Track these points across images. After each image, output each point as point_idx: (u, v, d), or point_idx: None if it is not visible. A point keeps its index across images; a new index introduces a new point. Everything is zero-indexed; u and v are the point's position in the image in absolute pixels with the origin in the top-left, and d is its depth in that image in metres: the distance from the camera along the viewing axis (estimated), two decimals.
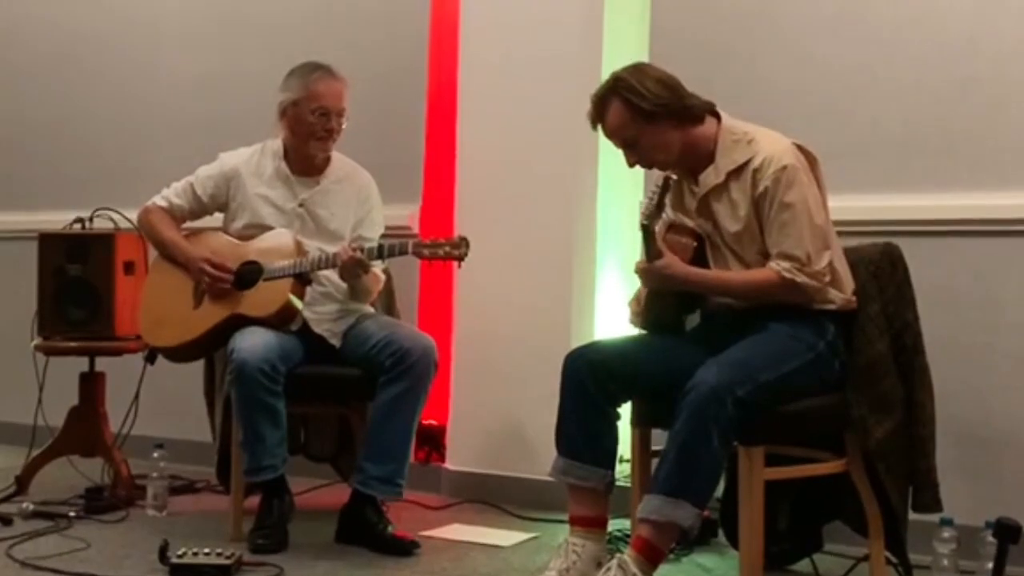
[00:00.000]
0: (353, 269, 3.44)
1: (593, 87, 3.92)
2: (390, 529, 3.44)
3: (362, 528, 3.44)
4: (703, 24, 3.85)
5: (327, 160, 3.70)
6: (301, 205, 3.65)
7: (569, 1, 4.10)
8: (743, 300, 2.95)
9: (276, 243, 3.56)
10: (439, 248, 3.33)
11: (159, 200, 3.71)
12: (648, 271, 2.93)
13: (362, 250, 3.41)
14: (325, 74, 3.60)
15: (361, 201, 3.72)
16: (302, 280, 3.49)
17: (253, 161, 3.69)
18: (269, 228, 3.60)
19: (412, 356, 3.44)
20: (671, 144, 2.94)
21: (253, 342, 3.36)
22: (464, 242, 3.32)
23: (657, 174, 3.11)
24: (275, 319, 3.46)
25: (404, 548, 3.39)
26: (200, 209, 3.73)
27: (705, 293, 3.01)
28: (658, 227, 2.94)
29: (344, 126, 3.62)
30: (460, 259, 3.33)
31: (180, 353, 3.64)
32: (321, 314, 3.59)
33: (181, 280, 3.59)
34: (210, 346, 3.60)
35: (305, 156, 3.65)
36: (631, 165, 3.03)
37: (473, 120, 4.26)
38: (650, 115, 2.89)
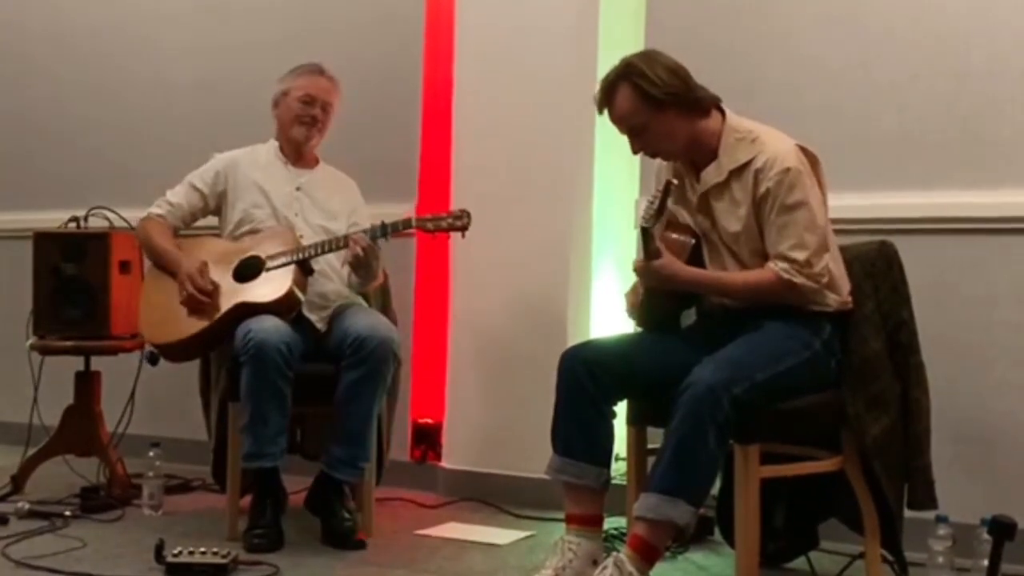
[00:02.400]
0: (366, 259, 3.49)
1: (588, 85, 3.92)
2: (347, 522, 3.46)
3: (322, 508, 3.50)
4: (698, 22, 3.85)
5: (316, 159, 3.83)
6: (298, 189, 3.73)
7: (564, 4, 4.10)
8: (740, 300, 2.96)
9: (275, 237, 3.59)
10: (441, 221, 3.44)
11: (155, 209, 3.75)
12: (646, 269, 2.93)
13: (366, 231, 3.49)
14: (315, 70, 3.77)
15: (351, 196, 3.84)
16: (304, 269, 3.52)
17: (249, 154, 3.81)
18: (273, 202, 3.67)
19: (369, 345, 3.44)
20: (677, 134, 2.93)
21: (269, 325, 3.39)
22: (465, 214, 3.41)
23: (659, 164, 3.11)
24: (279, 305, 3.47)
25: (348, 542, 3.41)
26: (201, 205, 3.76)
27: (702, 293, 3.01)
28: (657, 226, 2.93)
29: (330, 121, 3.75)
30: (463, 229, 3.43)
31: (184, 349, 3.61)
32: (314, 296, 3.61)
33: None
34: (215, 340, 3.58)
35: (293, 143, 3.76)
36: (635, 152, 3.02)
37: (469, 119, 4.25)
38: (659, 103, 2.89)
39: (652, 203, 2.85)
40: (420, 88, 4.44)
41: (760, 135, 2.93)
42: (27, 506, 3.71)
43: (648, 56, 2.96)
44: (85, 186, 4.84)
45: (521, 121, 4.13)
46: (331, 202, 3.75)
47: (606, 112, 2.98)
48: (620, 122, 2.97)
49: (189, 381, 3.90)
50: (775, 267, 2.86)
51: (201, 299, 3.53)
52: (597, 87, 2.98)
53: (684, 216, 3.04)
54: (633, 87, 2.90)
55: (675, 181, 2.91)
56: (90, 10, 5.24)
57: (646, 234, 2.87)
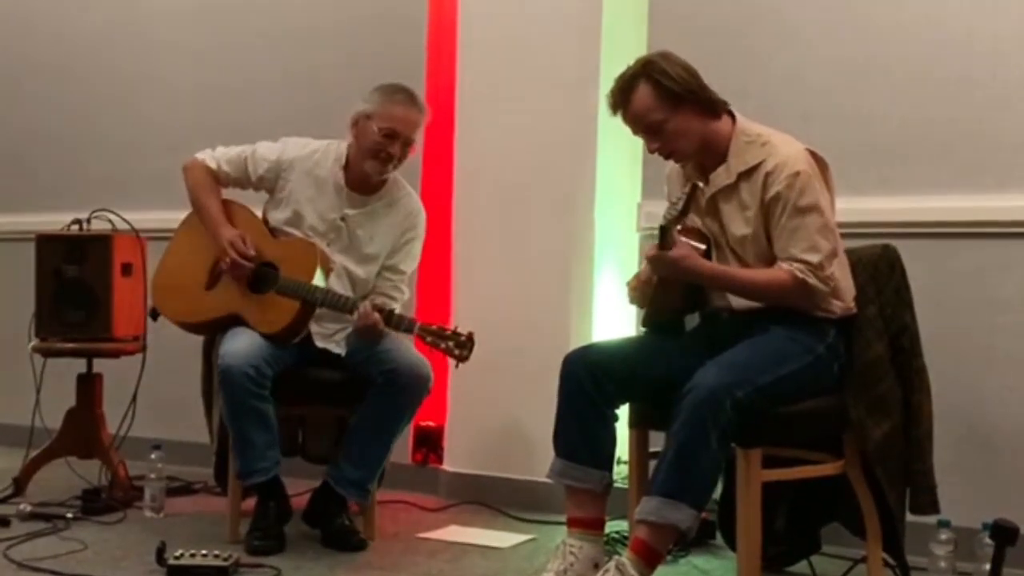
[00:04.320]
0: (370, 332, 3.43)
1: (591, 91, 3.96)
2: (348, 526, 3.48)
3: (322, 518, 3.50)
4: (701, 25, 3.85)
5: (383, 181, 3.62)
6: (343, 219, 3.59)
7: (567, 5, 4.11)
8: (751, 298, 2.93)
9: (301, 254, 3.51)
10: (441, 340, 3.36)
11: (209, 160, 3.63)
12: (660, 258, 2.90)
13: (381, 311, 3.41)
14: (407, 99, 3.52)
15: (405, 229, 3.66)
16: (310, 307, 3.47)
17: (313, 159, 3.62)
18: (307, 228, 3.57)
19: (402, 381, 3.43)
20: (693, 133, 2.92)
21: (238, 346, 3.35)
22: (470, 343, 3.34)
23: (668, 171, 3.11)
24: (273, 338, 3.44)
25: (349, 544, 3.43)
26: (245, 183, 3.67)
27: (713, 287, 2.99)
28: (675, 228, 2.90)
29: (408, 156, 3.55)
30: (459, 360, 3.35)
31: (180, 325, 3.66)
32: (327, 328, 3.58)
33: (205, 249, 3.57)
34: (208, 333, 3.63)
35: (361, 171, 3.57)
36: (651, 152, 3.00)
37: (471, 124, 4.26)
38: (679, 99, 2.88)
39: (675, 204, 2.85)
40: (423, 91, 4.43)
41: (770, 139, 2.92)
42: (29, 508, 3.72)
43: (664, 55, 2.95)
44: (87, 188, 4.85)
45: (523, 126, 4.13)
46: (370, 244, 3.59)
47: (619, 113, 2.95)
48: (637, 120, 2.94)
49: (191, 383, 3.89)
50: (789, 267, 2.84)
51: (246, 265, 3.47)
52: (611, 86, 2.95)
53: (695, 220, 3.03)
54: (653, 84, 2.89)
55: (701, 184, 2.91)
56: (93, 12, 5.24)
57: (665, 233, 2.86)
